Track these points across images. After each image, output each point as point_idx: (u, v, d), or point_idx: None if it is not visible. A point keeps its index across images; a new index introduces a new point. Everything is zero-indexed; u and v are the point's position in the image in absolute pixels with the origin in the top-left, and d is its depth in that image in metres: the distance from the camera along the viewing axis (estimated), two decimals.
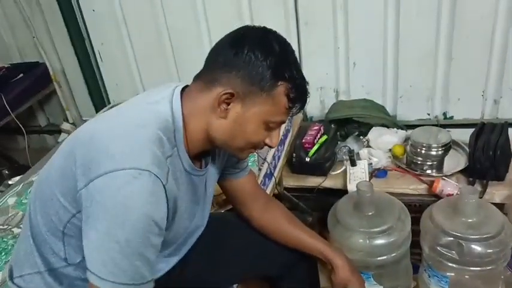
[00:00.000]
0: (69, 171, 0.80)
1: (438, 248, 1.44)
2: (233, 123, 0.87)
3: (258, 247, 1.20)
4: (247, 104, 0.86)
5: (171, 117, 0.86)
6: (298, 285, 1.28)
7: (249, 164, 1.23)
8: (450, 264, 1.43)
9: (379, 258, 1.51)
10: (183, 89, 0.91)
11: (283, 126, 1.78)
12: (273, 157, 1.68)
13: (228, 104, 0.86)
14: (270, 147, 0.95)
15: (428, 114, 2.09)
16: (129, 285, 0.77)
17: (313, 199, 1.82)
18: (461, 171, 1.71)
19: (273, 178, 1.64)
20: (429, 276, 1.54)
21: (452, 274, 1.48)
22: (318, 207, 1.80)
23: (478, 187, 1.60)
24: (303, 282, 1.29)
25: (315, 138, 1.85)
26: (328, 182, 1.80)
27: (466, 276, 1.51)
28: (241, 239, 1.21)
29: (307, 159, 1.81)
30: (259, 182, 1.52)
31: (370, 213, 1.53)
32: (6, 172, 2.22)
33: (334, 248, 1.19)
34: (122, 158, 0.77)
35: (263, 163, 1.60)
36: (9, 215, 1.46)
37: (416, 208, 1.65)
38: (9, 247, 1.30)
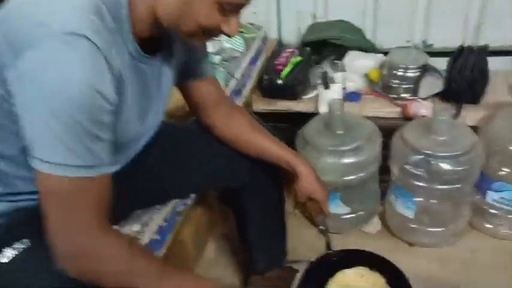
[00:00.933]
0: None
1: (407, 167, 1.41)
2: (181, 1, 0.75)
3: (219, 156, 1.14)
4: None
5: None
6: (261, 198, 1.24)
7: (214, 73, 1.14)
8: (418, 183, 1.41)
9: (346, 178, 1.48)
10: None
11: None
12: (243, 75, 1.60)
13: None
14: (228, 36, 0.82)
15: (408, 42, 2.00)
16: (83, 167, 0.69)
17: (283, 123, 1.76)
18: (437, 95, 1.66)
19: (242, 98, 1.56)
20: (396, 199, 1.52)
21: (420, 199, 1.46)
22: (288, 134, 1.73)
23: (452, 110, 1.54)
24: (266, 194, 1.24)
25: (288, 60, 1.76)
26: (300, 106, 1.74)
27: (433, 201, 1.49)
28: (201, 147, 1.14)
29: (279, 81, 1.72)
30: None
31: (340, 132, 1.48)
32: None
33: (298, 155, 1.12)
34: (51, 23, 0.66)
35: (231, 79, 1.51)
36: None
37: (389, 132, 1.59)
38: None
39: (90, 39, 0.67)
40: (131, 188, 1.04)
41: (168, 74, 0.94)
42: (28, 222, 0.84)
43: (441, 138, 1.39)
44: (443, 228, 1.49)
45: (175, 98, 1.14)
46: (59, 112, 0.66)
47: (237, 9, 0.79)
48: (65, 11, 0.68)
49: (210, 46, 1.57)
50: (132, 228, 1.04)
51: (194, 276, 0.88)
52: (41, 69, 0.65)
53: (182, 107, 1.29)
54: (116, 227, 1.03)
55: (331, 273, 1.01)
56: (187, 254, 1.48)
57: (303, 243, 1.57)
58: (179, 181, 1.12)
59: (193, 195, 1.22)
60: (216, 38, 0.86)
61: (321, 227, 1.07)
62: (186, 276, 0.85)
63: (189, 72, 1.02)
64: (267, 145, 1.11)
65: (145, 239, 1.02)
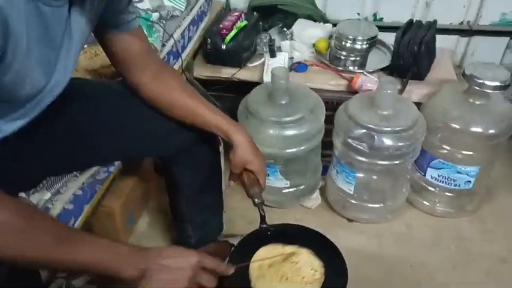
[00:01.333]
0: None
1: (350, 141, 1.37)
2: None
3: (147, 121, 1.02)
4: None
5: None
6: (194, 168, 1.15)
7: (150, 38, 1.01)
8: (360, 158, 1.37)
9: (288, 150, 1.42)
10: None
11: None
12: (182, 36, 1.48)
13: None
14: None
15: (358, 14, 1.95)
16: None
17: (226, 91, 1.66)
18: (383, 69, 1.62)
19: (180, 60, 1.45)
20: (337, 173, 1.48)
21: (361, 175, 1.43)
22: (231, 103, 1.64)
23: (398, 85, 1.51)
24: (200, 164, 1.15)
25: (234, 24, 1.66)
26: (244, 74, 1.64)
27: (374, 177, 1.47)
28: (126, 109, 1.02)
29: (223, 47, 1.61)
30: (161, 58, 1.31)
31: (283, 102, 1.41)
32: None
33: (235, 123, 1.02)
34: None
35: (168, 39, 1.39)
36: None
37: (334, 106, 1.55)
38: None
39: None
40: (43, 151, 0.92)
41: (80, 22, 0.80)
42: None
43: (385, 113, 1.35)
44: (382, 205, 1.48)
45: (103, 56, 1.01)
46: None
47: None
48: None
49: (148, 2, 1.43)
50: (42, 196, 0.91)
51: (106, 241, 0.73)
52: None
53: (110, 65, 1.16)
54: (22, 194, 0.91)
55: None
56: (116, 227, 1.38)
57: (241, 217, 1.51)
58: (99, 146, 1.00)
59: (118, 163, 1.10)
60: None
61: (255, 200, 1.00)
62: (100, 245, 0.73)
63: (109, 22, 0.89)
64: (201, 111, 1.00)
65: (56, 209, 0.90)
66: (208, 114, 1.01)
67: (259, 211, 1.00)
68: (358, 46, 1.60)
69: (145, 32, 1.03)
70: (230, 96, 1.68)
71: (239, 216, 1.50)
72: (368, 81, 1.53)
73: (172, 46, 1.40)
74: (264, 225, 1.00)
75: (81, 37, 0.82)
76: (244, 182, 1.02)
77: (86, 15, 0.81)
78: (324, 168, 1.61)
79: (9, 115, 0.77)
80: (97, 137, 0.98)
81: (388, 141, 1.32)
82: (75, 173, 1.00)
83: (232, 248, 1.01)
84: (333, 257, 0.94)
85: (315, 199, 1.57)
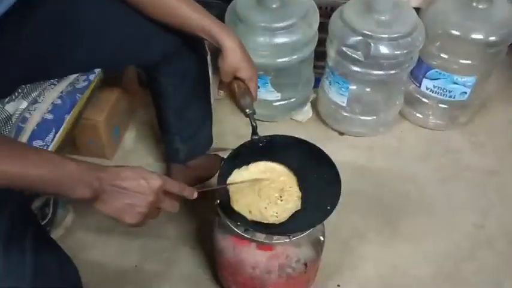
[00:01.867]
0: None
1: (344, 49, 1.29)
2: None
3: (127, 23, 0.93)
4: None
5: None
6: (181, 77, 1.07)
7: None
8: (354, 68, 1.31)
9: (279, 60, 1.34)
10: None
11: None
12: None
13: None
14: None
15: None
16: None
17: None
18: None
19: None
20: (330, 84, 1.42)
21: (354, 87, 1.37)
22: (218, 9, 1.52)
23: None
24: (187, 73, 1.07)
25: None
26: None
27: (367, 89, 1.42)
28: (103, 11, 0.92)
29: None
30: None
31: (274, 6, 1.31)
32: None
33: (223, 25, 0.93)
34: None
35: None
36: None
37: (328, 12, 1.44)
38: None
39: None
40: (15, 54, 0.83)
41: None
42: None
43: (382, 18, 1.27)
44: (374, 117, 1.44)
45: None
46: None
47: None
48: None
49: None
50: (19, 105, 0.85)
51: (57, 158, 0.64)
52: None
53: None
54: None
55: (255, 158, 0.93)
56: (101, 141, 1.33)
57: (230, 131, 1.47)
58: (76, 49, 0.91)
59: (99, 71, 1.02)
60: None
61: (246, 110, 0.94)
62: (51, 161, 0.65)
63: None
64: (185, 10, 0.90)
65: (35, 119, 0.84)
66: (194, 16, 0.91)
67: (251, 122, 0.96)
68: None
69: None
70: (219, 2, 1.55)
71: (229, 131, 1.46)
72: None
73: None
74: (256, 137, 0.96)
75: None
76: (235, 91, 0.96)
77: None
78: (316, 81, 1.54)
79: None
80: (73, 38, 0.89)
81: (384, 49, 1.25)
82: (52, 81, 0.92)
83: (222, 161, 0.98)
84: (326, 166, 0.91)
85: (306, 112, 1.52)
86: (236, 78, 0.95)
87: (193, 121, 1.18)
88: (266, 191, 0.88)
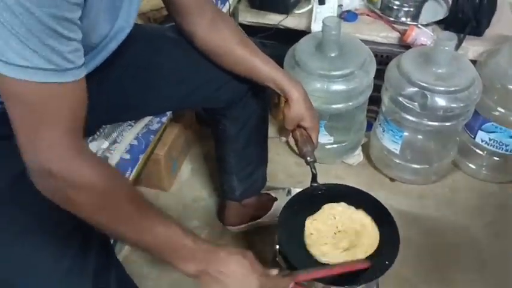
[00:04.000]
0: None
1: (400, 99, 1.32)
2: None
3: (201, 71, 1.00)
4: None
5: None
6: (243, 121, 1.13)
7: None
8: (409, 117, 1.32)
9: (334, 106, 1.38)
10: None
11: None
12: None
13: None
14: None
15: None
16: (50, 70, 0.58)
17: (271, 39, 1.60)
18: (439, 23, 1.52)
19: (228, 4, 1.39)
20: (383, 131, 1.44)
21: (408, 134, 1.39)
22: (275, 50, 1.59)
23: (454, 41, 1.42)
24: (249, 117, 1.13)
25: None
26: (291, 21, 1.57)
27: (420, 136, 1.43)
28: (181, 59, 0.99)
29: None
30: None
31: (332, 55, 1.35)
32: None
33: (291, 78, 0.98)
34: None
35: None
36: None
37: (384, 59, 1.48)
38: None
39: None
40: (99, 100, 0.90)
41: None
42: None
43: (440, 71, 1.29)
44: (427, 166, 1.45)
45: None
46: (13, 5, 0.53)
47: None
48: None
49: None
50: (101, 145, 0.92)
51: (178, 231, 0.70)
52: None
53: (160, 9, 1.12)
54: None
55: (315, 206, 0.95)
56: (161, 174, 1.39)
57: (281, 170, 1.51)
58: (154, 95, 0.98)
59: (170, 113, 1.09)
60: None
61: (308, 158, 0.98)
62: (167, 229, 0.70)
63: None
64: (256, 62, 0.96)
65: (114, 158, 0.91)
66: (263, 67, 0.97)
67: (311, 169, 0.99)
68: None
69: None
70: (274, 44, 1.62)
71: (280, 169, 1.50)
72: (422, 35, 1.45)
73: None
74: (315, 184, 0.99)
75: None
76: (297, 139, 1.00)
77: None
78: (368, 125, 1.57)
79: None
80: (154, 84, 0.97)
81: (441, 102, 1.26)
82: (129, 122, 0.99)
83: (276, 200, 0.99)
84: (386, 222, 0.93)
85: (358, 156, 1.54)
86: (299, 126, 1.00)
87: (251, 162, 1.23)
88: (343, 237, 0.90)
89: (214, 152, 1.27)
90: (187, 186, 1.47)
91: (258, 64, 0.97)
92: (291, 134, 1.02)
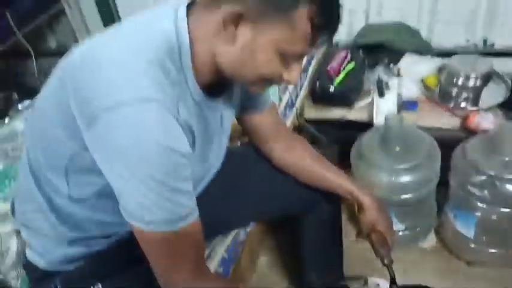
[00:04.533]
0: (64, 103, 0.71)
1: (469, 187, 1.35)
2: (241, 51, 0.73)
3: (278, 186, 1.12)
4: (259, 28, 0.71)
5: (175, 39, 0.73)
6: (319, 225, 1.22)
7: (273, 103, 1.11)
8: (480, 204, 1.35)
9: (403, 196, 1.44)
10: (188, 6, 0.76)
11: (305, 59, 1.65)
12: (295, 86, 1.56)
13: (236, 26, 0.71)
14: (289, 83, 0.81)
15: (467, 41, 1.90)
16: (176, 220, 0.73)
17: (335, 133, 1.72)
18: (500, 106, 1.57)
19: (294, 109, 1.53)
20: (455, 217, 1.46)
21: (481, 218, 1.40)
22: (340, 142, 1.70)
23: None
24: (324, 221, 1.22)
25: (341, 65, 1.70)
26: (353, 114, 1.69)
27: (494, 217, 1.43)
28: (260, 175, 1.13)
29: (332, 89, 1.67)
30: (279, 112, 1.41)
31: (397, 149, 1.43)
32: (16, 97, 2.13)
33: (362, 186, 1.10)
34: (122, 88, 0.67)
35: (284, 92, 1.48)
36: (19, 141, 1.40)
37: (447, 144, 1.53)
38: None
39: (158, 101, 0.68)
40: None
41: (228, 112, 0.93)
42: (100, 266, 0.87)
43: (507, 159, 1.32)
44: (504, 249, 1.44)
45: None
46: (140, 173, 0.68)
47: (299, 57, 0.78)
48: (133, 74, 0.69)
49: None
50: None
51: None
52: (118, 137, 0.67)
53: (238, 128, 1.27)
54: None
55: None
56: (242, 270, 1.49)
57: (358, 258, 1.55)
58: (240, 211, 1.12)
59: (253, 224, 1.21)
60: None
61: (385, 261, 1.05)
62: None
63: (247, 105, 1.01)
64: (329, 176, 1.08)
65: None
66: (335, 179, 1.09)
67: (389, 271, 1.05)
68: (470, 83, 1.57)
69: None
70: (340, 135, 1.73)
71: (355, 258, 1.55)
72: (485, 120, 1.50)
73: (288, 99, 1.49)
74: (394, 286, 1.05)
75: (230, 123, 0.95)
76: (374, 242, 1.08)
77: (233, 108, 0.92)
78: (438, 205, 1.59)
79: None
80: (239, 202, 1.10)
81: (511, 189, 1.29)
82: (220, 236, 1.12)
83: None
84: None
85: (431, 240, 1.57)
86: (374, 230, 1.08)
87: (328, 259, 1.30)
88: None
89: (289, 244, 1.35)
90: (266, 277, 1.55)
91: (331, 177, 1.08)
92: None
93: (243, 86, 0.89)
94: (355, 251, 1.56)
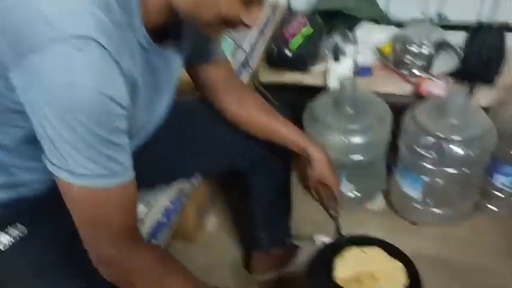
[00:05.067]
0: None
1: (417, 149, 1.39)
2: None
3: (228, 138, 1.10)
4: None
5: None
6: (269, 179, 1.22)
7: (225, 55, 1.07)
8: (428, 166, 1.39)
9: (353, 158, 1.46)
10: None
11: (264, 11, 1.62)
12: (250, 45, 1.53)
13: None
14: (247, 26, 0.75)
15: (422, 14, 1.93)
16: (104, 176, 0.67)
17: (290, 97, 1.71)
18: (450, 74, 1.61)
19: (249, 69, 1.51)
20: (403, 179, 1.50)
21: (427, 179, 1.45)
22: (295, 106, 1.69)
23: (466, 90, 1.50)
24: (274, 175, 1.22)
25: (299, 30, 1.69)
26: (309, 79, 1.68)
27: (440, 180, 1.48)
28: (209, 128, 1.10)
29: (288, 52, 1.66)
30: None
31: (349, 111, 1.44)
32: None
33: (313, 140, 1.09)
34: (57, 24, 0.60)
35: (238, 50, 1.45)
36: None
37: (399, 109, 1.56)
38: None
39: (99, 42, 0.62)
40: (136, 168, 1.01)
41: (177, 60, 0.88)
42: (27, 212, 0.83)
43: (454, 121, 1.36)
44: (448, 210, 1.49)
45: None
46: (71, 120, 0.62)
47: (259, 0, 0.73)
48: (72, 10, 0.62)
49: None
50: (138, 209, 1.01)
51: None
52: (51, 78, 0.60)
53: (188, 81, 1.24)
54: None
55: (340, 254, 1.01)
56: (188, 227, 1.48)
57: (305, 219, 1.57)
58: (186, 162, 1.09)
59: (199, 176, 1.19)
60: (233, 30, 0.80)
61: (332, 214, 1.06)
62: None
63: (198, 55, 0.97)
64: (280, 129, 1.07)
65: (151, 222, 1.00)
66: (286, 132, 1.07)
67: (336, 224, 1.06)
68: (424, 51, 1.60)
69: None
70: (294, 98, 1.73)
71: (303, 218, 1.56)
72: (435, 87, 1.53)
73: (242, 57, 1.46)
74: (340, 237, 1.06)
75: (179, 72, 0.91)
76: (321, 196, 1.08)
77: (182, 55, 0.88)
78: (388, 169, 1.63)
79: None
80: (184, 152, 1.08)
81: (457, 151, 1.33)
82: (163, 186, 1.09)
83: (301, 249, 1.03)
84: (409, 270, 0.98)
85: (379, 202, 1.60)
86: (322, 184, 1.08)
87: (277, 214, 1.30)
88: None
89: (239, 204, 1.35)
90: (214, 237, 1.55)
91: (282, 130, 1.07)
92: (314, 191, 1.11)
93: (196, 30, 0.85)
94: (304, 211, 1.58)
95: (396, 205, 1.59)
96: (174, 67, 0.88)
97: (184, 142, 1.07)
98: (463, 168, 1.37)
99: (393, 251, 1.02)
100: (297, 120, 1.55)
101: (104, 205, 0.69)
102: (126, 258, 0.71)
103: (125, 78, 0.67)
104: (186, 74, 1.03)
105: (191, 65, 0.99)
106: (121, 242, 0.71)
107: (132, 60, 0.70)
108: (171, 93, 0.92)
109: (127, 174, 0.70)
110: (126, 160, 0.70)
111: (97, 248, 0.71)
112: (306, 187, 1.12)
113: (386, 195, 1.63)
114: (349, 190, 1.56)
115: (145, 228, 1.00)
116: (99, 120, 0.63)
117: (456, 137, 1.33)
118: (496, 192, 1.51)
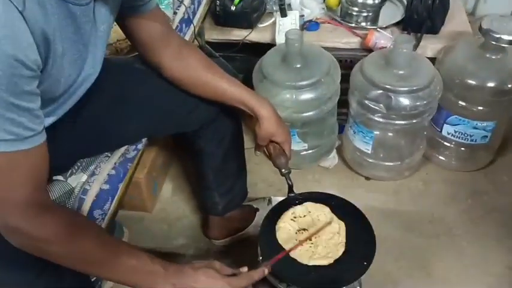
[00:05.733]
0: None
1: (366, 101, 1.37)
2: None
3: (170, 99, 1.03)
4: None
5: None
6: (219, 140, 1.17)
7: (161, 5, 0.99)
8: (377, 118, 1.38)
9: (305, 114, 1.43)
10: None
11: None
12: (192, 1, 1.44)
13: None
14: None
15: None
16: (11, 141, 0.62)
17: (237, 54, 1.65)
18: (396, 24, 1.59)
19: (192, 26, 1.42)
20: (354, 133, 1.49)
21: (377, 132, 1.45)
22: (243, 65, 1.64)
23: (412, 41, 1.49)
24: (224, 136, 1.17)
25: None
26: (255, 35, 1.62)
27: (390, 134, 1.49)
28: (149, 89, 1.03)
29: (233, 8, 1.58)
30: (174, 27, 1.29)
31: (298, 66, 1.40)
32: None
33: (259, 97, 1.04)
34: None
35: (179, 6, 1.36)
36: None
37: (348, 64, 1.54)
38: None
39: None
40: (73, 135, 0.93)
41: (105, 14, 0.81)
42: None
43: (401, 72, 1.35)
44: (399, 162, 1.51)
45: (118, 29, 1.00)
46: None
47: None
48: None
49: None
50: (80, 179, 0.95)
51: (147, 261, 0.76)
52: None
53: (126, 39, 1.15)
54: (60, 177, 0.94)
55: None
56: (142, 196, 1.42)
57: (260, 180, 1.55)
58: (127, 126, 1.02)
59: (145, 140, 1.12)
60: None
61: (282, 170, 1.02)
62: (137, 262, 0.76)
63: (128, 6, 0.88)
64: (225, 86, 1.01)
65: (93, 190, 0.94)
66: (231, 90, 1.02)
67: (287, 181, 1.03)
68: (370, 1, 1.57)
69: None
70: (242, 57, 1.67)
71: (259, 180, 1.54)
72: (382, 38, 1.51)
73: (184, 13, 1.37)
74: (292, 194, 1.03)
75: (106, 28, 0.83)
76: (271, 153, 1.05)
77: (109, 6, 0.80)
78: (340, 127, 1.62)
79: None
80: (125, 116, 1.00)
81: (405, 101, 1.33)
82: (106, 153, 1.02)
83: (258, 211, 1.03)
84: (360, 222, 0.97)
85: (333, 159, 1.60)
86: (271, 141, 1.04)
87: (230, 176, 1.26)
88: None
89: (193, 170, 1.31)
90: (170, 205, 1.50)
91: (226, 87, 1.01)
92: (264, 148, 1.07)
93: None
94: (260, 173, 1.56)
95: (349, 161, 1.59)
96: (101, 19, 0.80)
97: (122, 103, 0.99)
98: (411, 120, 1.37)
99: (345, 206, 1.01)
100: (247, 79, 1.52)
101: (5, 171, 0.64)
102: (32, 226, 0.68)
103: (34, 36, 0.61)
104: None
105: (124, 18, 0.91)
106: (26, 209, 0.67)
107: (42, 12, 0.63)
108: (101, 49, 0.84)
109: (36, 140, 0.66)
110: (36, 124, 0.65)
111: (2, 216, 0.67)
112: (258, 146, 1.08)
113: (339, 152, 1.62)
114: (302, 148, 1.53)
115: (88, 197, 0.93)
116: (3, 84, 0.58)
117: (403, 88, 1.32)
118: (445, 142, 1.53)
